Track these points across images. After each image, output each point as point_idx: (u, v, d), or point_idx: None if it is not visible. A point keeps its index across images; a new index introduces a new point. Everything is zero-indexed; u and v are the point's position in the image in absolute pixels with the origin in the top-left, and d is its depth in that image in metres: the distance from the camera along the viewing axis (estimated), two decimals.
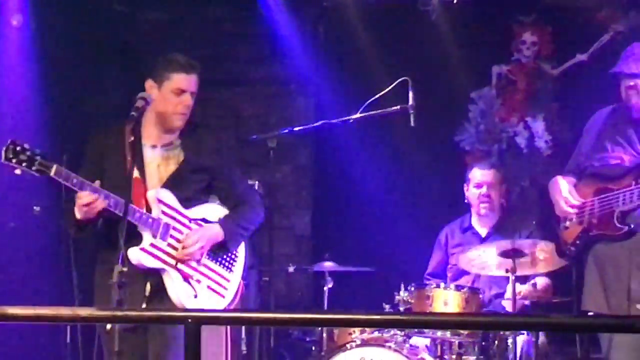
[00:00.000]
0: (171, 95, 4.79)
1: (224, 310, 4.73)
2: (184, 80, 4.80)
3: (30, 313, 3.13)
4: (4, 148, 4.45)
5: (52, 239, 6.59)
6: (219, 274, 4.87)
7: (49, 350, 6.55)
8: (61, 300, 5.99)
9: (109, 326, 4.29)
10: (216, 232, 4.86)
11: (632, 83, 5.11)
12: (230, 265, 4.92)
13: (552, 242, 5.50)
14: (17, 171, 4.47)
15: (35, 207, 6.72)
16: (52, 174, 4.50)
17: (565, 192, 5.23)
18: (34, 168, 4.46)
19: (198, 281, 4.78)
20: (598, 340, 5.24)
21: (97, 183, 4.63)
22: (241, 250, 5.01)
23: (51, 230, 6.47)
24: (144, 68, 5.16)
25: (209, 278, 4.84)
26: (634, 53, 5.17)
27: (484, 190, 6.62)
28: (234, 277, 4.93)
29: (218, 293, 4.85)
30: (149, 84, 4.82)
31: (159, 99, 4.78)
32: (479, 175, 6.66)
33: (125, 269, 4.22)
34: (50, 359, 6.53)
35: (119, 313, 3.50)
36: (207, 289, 4.79)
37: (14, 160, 4.44)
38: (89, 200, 4.54)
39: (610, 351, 5.04)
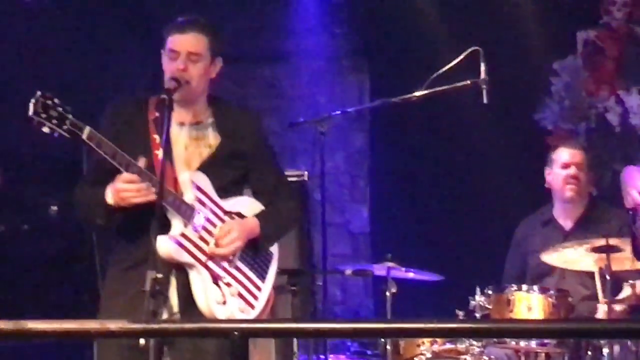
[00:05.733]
0: (166, 59, 4.72)
1: (274, 321, 4.70)
2: (176, 41, 4.71)
3: (52, 328, 3.10)
4: (33, 100, 4.32)
5: (72, 240, 6.65)
6: (251, 280, 4.72)
7: None
8: (85, 308, 6.04)
9: (142, 341, 4.26)
10: (252, 228, 4.73)
11: None
12: (263, 272, 4.79)
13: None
14: (45, 129, 4.32)
15: (52, 207, 6.78)
16: (84, 136, 4.38)
17: (638, 181, 5.23)
18: (64, 127, 4.34)
19: (228, 284, 4.62)
20: None
21: (143, 161, 4.50)
22: (274, 257, 4.88)
23: (70, 231, 6.53)
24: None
25: (240, 283, 4.68)
26: None
27: (571, 170, 6.51)
28: (266, 286, 4.79)
29: (248, 302, 4.69)
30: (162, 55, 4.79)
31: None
32: (567, 155, 6.56)
33: (160, 276, 4.13)
34: None
35: (155, 326, 3.48)
36: (237, 296, 4.64)
37: (43, 116, 4.31)
38: (137, 186, 4.42)
39: None
